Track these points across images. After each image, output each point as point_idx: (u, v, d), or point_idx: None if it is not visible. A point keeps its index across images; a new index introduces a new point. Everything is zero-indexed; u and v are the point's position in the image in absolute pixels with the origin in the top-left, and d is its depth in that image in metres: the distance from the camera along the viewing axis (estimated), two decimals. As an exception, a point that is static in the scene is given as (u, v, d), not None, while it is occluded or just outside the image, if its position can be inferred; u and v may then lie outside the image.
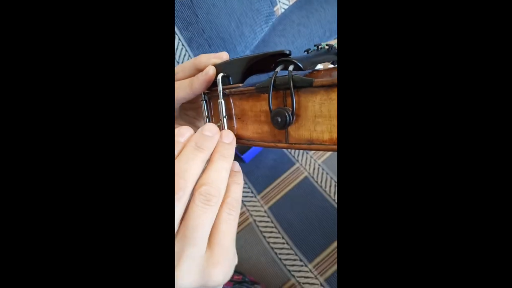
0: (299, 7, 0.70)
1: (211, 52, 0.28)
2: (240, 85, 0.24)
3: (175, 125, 0.31)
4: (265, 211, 0.62)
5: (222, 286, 0.21)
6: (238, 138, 0.25)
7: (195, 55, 0.59)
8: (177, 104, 0.29)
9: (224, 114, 0.25)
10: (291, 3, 0.71)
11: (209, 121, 0.28)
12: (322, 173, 0.64)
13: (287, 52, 0.22)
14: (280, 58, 0.22)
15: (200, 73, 0.26)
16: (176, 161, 0.20)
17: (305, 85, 0.19)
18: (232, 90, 0.24)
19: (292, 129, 0.21)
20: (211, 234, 0.19)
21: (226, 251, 0.19)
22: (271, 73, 0.20)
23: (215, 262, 0.19)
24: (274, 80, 0.20)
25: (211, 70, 0.25)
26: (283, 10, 0.71)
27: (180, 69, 0.29)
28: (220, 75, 0.25)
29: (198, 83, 0.26)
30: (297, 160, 0.66)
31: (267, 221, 0.61)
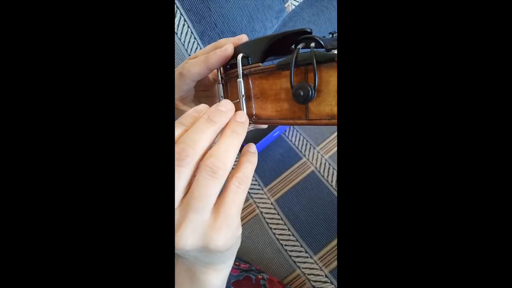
0: (310, 5, 0.71)
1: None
2: (260, 64, 0.25)
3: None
4: (271, 203, 0.63)
5: (224, 253, 0.22)
6: (257, 118, 0.26)
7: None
8: (191, 81, 0.29)
9: (242, 93, 0.25)
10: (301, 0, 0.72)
11: None
12: (329, 168, 0.64)
13: (309, 30, 0.23)
14: (301, 36, 0.22)
15: (219, 49, 0.26)
16: (188, 131, 0.21)
17: (327, 60, 0.20)
18: (251, 69, 0.25)
19: (312, 105, 0.22)
20: (217, 202, 0.20)
21: (230, 220, 0.20)
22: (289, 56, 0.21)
23: (218, 228, 0.20)
24: (296, 56, 0.21)
25: (230, 48, 0.26)
26: (293, 7, 0.72)
27: (201, 52, 0.30)
28: (240, 55, 0.25)
29: (214, 58, 0.26)
30: (304, 155, 0.67)
31: (274, 213, 0.62)
